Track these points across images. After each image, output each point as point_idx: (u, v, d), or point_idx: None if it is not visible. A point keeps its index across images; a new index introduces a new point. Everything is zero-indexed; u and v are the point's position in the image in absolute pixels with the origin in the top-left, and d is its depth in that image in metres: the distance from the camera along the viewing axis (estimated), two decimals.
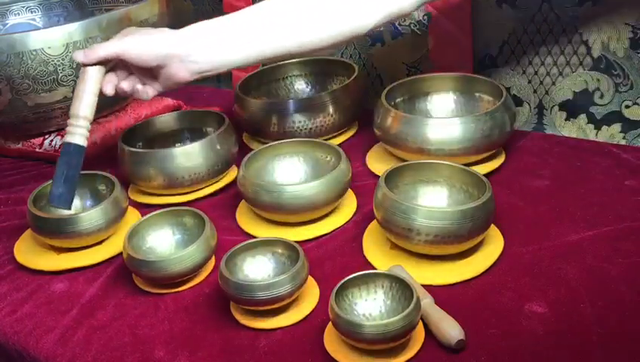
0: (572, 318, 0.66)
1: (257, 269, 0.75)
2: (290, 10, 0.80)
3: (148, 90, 0.82)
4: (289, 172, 0.94)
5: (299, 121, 1.03)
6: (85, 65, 0.78)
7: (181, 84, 0.81)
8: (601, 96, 1.01)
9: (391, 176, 0.80)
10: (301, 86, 1.21)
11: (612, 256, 0.74)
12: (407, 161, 0.86)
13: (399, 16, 0.83)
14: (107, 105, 1.13)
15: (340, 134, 1.10)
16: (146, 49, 0.77)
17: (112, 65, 0.80)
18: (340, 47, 0.91)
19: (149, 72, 0.80)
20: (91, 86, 0.78)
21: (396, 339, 0.61)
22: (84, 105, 0.78)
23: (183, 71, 0.78)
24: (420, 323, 0.65)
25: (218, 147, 0.95)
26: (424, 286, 0.71)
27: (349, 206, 0.89)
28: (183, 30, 0.79)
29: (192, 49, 0.78)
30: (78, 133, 0.78)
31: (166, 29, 0.80)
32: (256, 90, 1.18)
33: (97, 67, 0.78)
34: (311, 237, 0.84)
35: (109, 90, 0.81)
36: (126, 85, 0.81)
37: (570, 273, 0.72)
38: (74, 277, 0.82)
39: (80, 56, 0.77)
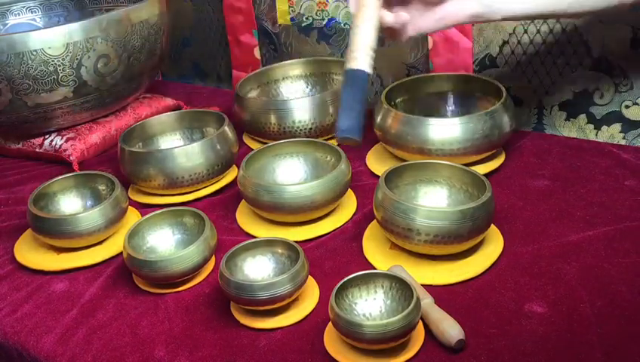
0: (572, 318, 0.66)
1: (257, 269, 0.75)
2: None
3: (409, 29, 0.76)
4: (289, 172, 0.94)
5: (299, 121, 1.03)
6: None
7: (451, 25, 0.76)
8: (601, 96, 1.01)
9: (391, 176, 0.80)
10: (301, 86, 1.21)
11: (612, 256, 0.74)
12: (407, 161, 0.86)
13: None
14: (107, 105, 1.13)
15: None
16: None
17: None
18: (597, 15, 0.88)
19: (422, 7, 0.75)
20: (373, 13, 0.71)
21: (396, 339, 0.61)
22: (367, 33, 0.70)
23: (465, 8, 0.74)
24: (420, 323, 0.65)
25: (218, 147, 0.95)
26: (424, 286, 0.71)
27: (349, 206, 0.89)
28: None
29: None
30: (362, 60, 0.69)
31: None
32: (256, 90, 1.18)
33: None
34: (311, 237, 0.84)
35: (391, 20, 0.74)
36: (406, 17, 0.74)
37: (570, 273, 0.72)
38: (74, 277, 0.82)
39: None
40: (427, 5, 0.75)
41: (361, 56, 0.69)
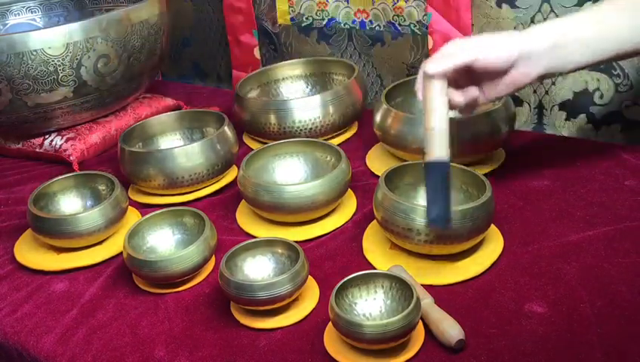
0: (572, 318, 0.66)
1: (257, 269, 0.75)
2: (636, 7, 0.75)
3: (480, 100, 0.77)
4: (289, 172, 0.94)
5: (299, 121, 1.03)
6: (436, 75, 0.71)
7: (523, 87, 0.76)
8: (601, 96, 1.01)
9: (391, 176, 0.80)
10: (301, 86, 1.21)
11: (612, 256, 0.74)
12: (407, 161, 0.86)
13: None
14: (107, 105, 1.13)
15: (340, 134, 1.10)
16: (502, 49, 0.73)
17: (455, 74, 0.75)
18: None
19: (488, 79, 0.75)
20: (442, 98, 0.72)
21: (396, 339, 0.61)
22: (442, 117, 0.71)
23: (531, 72, 0.74)
24: (420, 323, 0.65)
25: (218, 147, 0.95)
26: (424, 286, 0.71)
27: (349, 206, 0.89)
28: (528, 30, 0.75)
29: (541, 49, 0.74)
30: (442, 148, 0.70)
31: (513, 32, 0.77)
32: (256, 90, 1.18)
33: (443, 78, 0.72)
34: (311, 237, 0.84)
35: (461, 100, 0.76)
36: (475, 93, 0.76)
37: (570, 273, 0.72)
38: (74, 277, 0.82)
39: (431, 68, 0.71)
40: (494, 79, 0.75)
41: (442, 144, 0.70)
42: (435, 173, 0.70)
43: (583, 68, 0.77)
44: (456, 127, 0.82)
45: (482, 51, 0.72)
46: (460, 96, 0.75)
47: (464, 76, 0.75)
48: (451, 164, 0.72)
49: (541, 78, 0.76)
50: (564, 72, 0.77)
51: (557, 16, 0.99)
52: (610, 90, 0.99)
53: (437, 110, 0.71)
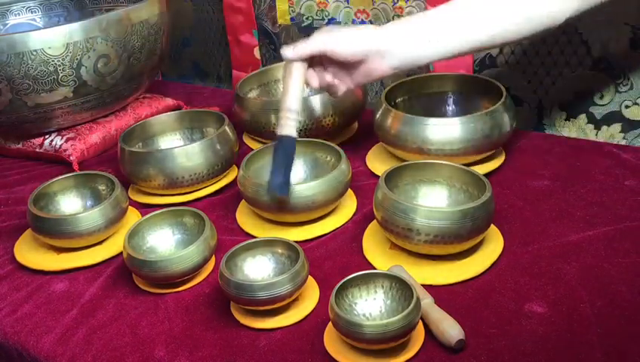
0: (572, 318, 0.66)
1: (257, 269, 0.75)
2: (484, 4, 0.80)
3: (341, 86, 0.85)
4: None
5: (299, 121, 1.03)
6: (292, 60, 0.81)
7: (377, 79, 0.84)
8: (601, 97, 1.01)
9: (391, 176, 0.80)
10: None
11: (612, 256, 0.74)
12: (407, 161, 0.86)
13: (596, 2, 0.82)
14: (107, 105, 1.13)
15: (340, 134, 1.10)
16: (347, 44, 0.80)
17: (317, 61, 0.83)
18: (531, 39, 0.95)
19: (346, 68, 0.83)
20: (297, 81, 0.81)
21: (396, 339, 0.61)
22: (293, 99, 0.80)
23: (383, 66, 0.81)
24: (420, 323, 0.65)
25: (218, 147, 0.95)
26: (424, 286, 0.71)
27: (349, 206, 0.89)
28: (384, 27, 0.82)
29: (393, 45, 0.80)
30: (290, 126, 0.80)
31: (369, 26, 0.82)
32: (256, 90, 1.18)
33: (301, 62, 0.81)
34: (311, 237, 0.84)
35: (315, 84, 0.84)
36: (330, 78, 0.83)
37: (570, 273, 0.72)
38: (74, 277, 0.82)
39: (289, 53, 0.80)
40: (351, 68, 0.82)
41: (289, 123, 0.80)
42: (283, 147, 0.79)
43: (439, 60, 0.83)
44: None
45: (334, 44, 0.80)
46: (315, 81, 0.83)
47: (330, 62, 0.82)
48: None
49: (397, 70, 0.82)
50: (420, 65, 0.83)
51: None
52: (610, 90, 0.99)
53: (291, 91, 0.80)
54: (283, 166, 0.79)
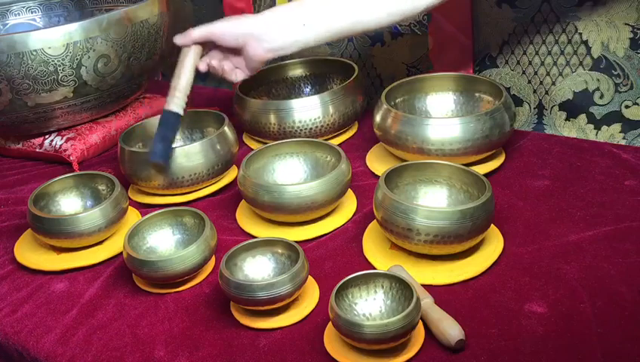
0: (572, 318, 0.66)
1: (257, 269, 0.75)
2: None
3: (237, 72, 0.93)
4: (289, 172, 0.94)
5: (299, 121, 1.03)
6: (183, 45, 0.91)
7: (260, 62, 0.90)
8: (601, 96, 1.01)
9: (391, 176, 0.80)
10: (301, 86, 1.21)
11: (612, 256, 0.74)
12: (407, 161, 0.86)
13: None
14: (107, 105, 1.13)
15: (340, 134, 1.10)
16: (228, 29, 0.89)
17: (210, 47, 0.92)
18: (401, 23, 1.06)
19: (233, 53, 0.91)
20: (188, 63, 0.91)
21: (396, 339, 0.61)
22: (182, 80, 0.90)
23: (259, 49, 0.88)
24: (420, 323, 0.65)
25: (218, 147, 0.95)
26: (424, 286, 0.71)
27: (349, 206, 0.89)
28: (261, 13, 0.88)
29: (266, 29, 0.87)
30: (176, 103, 0.89)
31: (249, 15, 0.89)
32: (256, 90, 1.18)
33: (194, 47, 0.90)
34: (311, 237, 0.84)
35: (202, 67, 0.93)
36: (215, 63, 0.92)
37: (570, 273, 0.72)
38: (74, 277, 0.82)
39: (178, 39, 0.90)
40: (237, 53, 0.91)
41: (176, 101, 0.89)
42: (168, 121, 0.88)
43: (313, 45, 0.90)
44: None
45: (218, 30, 0.89)
46: (203, 65, 0.93)
47: (219, 48, 0.91)
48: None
49: (272, 55, 0.89)
50: (293, 51, 0.90)
51: (557, 16, 1.00)
52: (610, 90, 0.99)
53: (182, 73, 0.90)
54: (164, 137, 0.88)
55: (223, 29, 0.89)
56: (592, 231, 0.79)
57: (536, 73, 1.06)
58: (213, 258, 0.81)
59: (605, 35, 0.97)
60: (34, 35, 0.98)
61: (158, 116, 1.06)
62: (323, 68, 1.20)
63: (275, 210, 0.83)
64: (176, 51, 0.94)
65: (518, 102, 1.09)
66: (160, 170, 0.90)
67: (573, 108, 1.04)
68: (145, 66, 1.14)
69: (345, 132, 1.11)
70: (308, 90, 1.21)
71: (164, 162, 0.88)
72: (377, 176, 0.95)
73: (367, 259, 0.78)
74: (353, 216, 0.88)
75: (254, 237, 0.82)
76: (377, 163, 0.99)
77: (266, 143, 0.99)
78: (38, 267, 0.83)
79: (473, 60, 1.10)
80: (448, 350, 0.63)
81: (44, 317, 0.75)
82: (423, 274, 0.73)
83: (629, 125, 1.00)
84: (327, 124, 1.04)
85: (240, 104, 1.09)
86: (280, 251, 0.75)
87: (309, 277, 0.74)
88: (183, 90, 0.90)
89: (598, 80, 1.00)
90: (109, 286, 0.80)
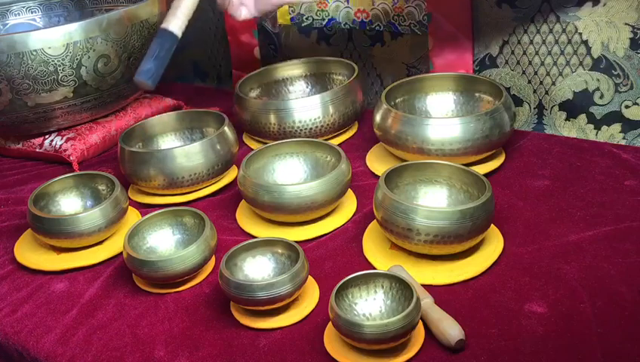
0: (572, 318, 0.66)
1: (257, 269, 0.75)
2: None
3: (242, 9, 0.89)
4: (289, 172, 0.94)
5: (299, 121, 1.03)
6: None
7: (272, 4, 0.87)
8: (601, 96, 1.01)
9: (391, 176, 0.80)
10: (301, 86, 1.21)
11: (612, 256, 0.74)
12: (407, 161, 0.86)
13: None
14: (107, 105, 1.13)
15: (340, 134, 1.10)
16: None
17: None
18: None
19: None
20: None
21: (396, 339, 0.61)
22: (189, 3, 0.86)
23: None
24: (420, 323, 0.65)
25: (218, 147, 0.95)
26: (424, 286, 0.71)
27: (349, 206, 0.89)
28: None
29: None
30: (175, 23, 0.84)
31: None
32: (256, 90, 1.18)
33: None
34: (311, 237, 0.84)
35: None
36: None
37: (570, 273, 0.72)
38: (74, 277, 0.82)
39: None
40: None
41: (175, 21, 0.84)
42: (164, 40, 0.84)
43: None
44: None
45: None
46: None
47: None
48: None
49: (286, 3, 0.87)
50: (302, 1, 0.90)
51: (557, 16, 1.00)
52: (610, 90, 0.99)
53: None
54: (156, 56, 0.84)
55: None
56: (592, 231, 0.79)
57: (536, 73, 1.06)
58: (213, 258, 0.81)
59: (605, 35, 0.97)
60: (34, 35, 0.98)
61: (158, 116, 1.07)
62: (323, 68, 1.20)
63: (275, 210, 0.83)
64: (174, 50, 0.93)
65: (518, 102, 1.09)
66: (143, 89, 0.86)
67: (573, 108, 1.04)
68: None
69: (345, 132, 1.11)
70: (308, 90, 1.21)
71: (150, 82, 0.84)
72: (377, 176, 0.95)
73: (367, 259, 0.78)
74: (353, 216, 0.88)
75: (254, 237, 0.82)
76: (377, 163, 0.99)
77: (266, 143, 0.99)
78: (38, 267, 0.83)
79: (473, 60, 1.10)
80: (448, 350, 0.63)
81: (44, 317, 0.75)
82: (423, 274, 0.73)
83: (629, 125, 1.00)
84: (327, 124, 1.04)
85: (240, 104, 1.09)
86: (280, 251, 0.75)
87: (309, 277, 0.74)
88: (186, 12, 0.85)
89: (598, 80, 1.00)
90: (109, 286, 0.80)
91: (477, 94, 1.02)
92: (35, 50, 0.98)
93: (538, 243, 0.78)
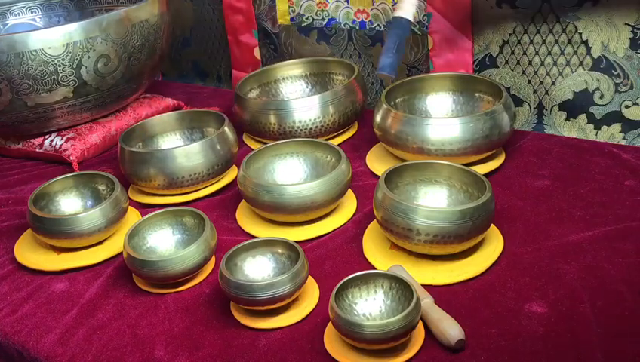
0: (572, 318, 0.66)
1: (257, 269, 0.75)
2: None
3: None
4: (289, 172, 0.94)
5: (299, 121, 1.03)
6: None
7: None
8: (601, 96, 1.01)
9: (391, 176, 0.80)
10: (301, 86, 1.21)
11: (612, 256, 0.74)
12: (407, 161, 0.86)
13: None
14: (107, 105, 1.13)
15: (340, 134, 1.10)
16: None
17: None
18: None
19: None
20: None
21: (396, 339, 0.61)
22: None
23: None
24: (420, 323, 0.65)
25: (218, 147, 0.95)
26: (424, 286, 0.71)
27: (349, 206, 0.89)
28: None
29: None
30: (406, 9, 0.86)
31: None
32: (256, 90, 1.18)
33: None
34: (311, 237, 0.84)
35: None
36: None
37: (570, 273, 0.72)
38: (74, 277, 0.82)
39: None
40: None
41: (408, 7, 0.85)
42: (396, 28, 0.85)
43: None
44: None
45: None
46: None
47: None
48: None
49: None
50: None
51: (557, 16, 1.00)
52: (610, 90, 0.99)
53: None
54: (395, 46, 0.84)
55: None
56: (592, 231, 0.79)
57: (536, 73, 1.06)
58: (213, 258, 0.81)
59: (605, 35, 0.97)
60: (34, 35, 0.99)
61: (158, 116, 1.07)
62: (323, 68, 1.20)
63: (275, 210, 0.83)
64: (174, 50, 0.92)
65: (518, 102, 1.09)
66: (386, 80, 0.88)
67: (573, 108, 1.04)
68: (145, 66, 1.14)
69: (345, 132, 1.11)
70: (308, 90, 1.21)
71: (394, 75, 0.86)
72: (377, 176, 0.95)
73: (367, 259, 0.78)
74: (353, 216, 0.88)
75: (254, 237, 0.82)
76: (377, 163, 0.99)
77: (266, 143, 0.99)
78: (38, 267, 0.83)
79: (473, 60, 1.10)
80: (448, 350, 0.63)
81: (44, 317, 0.75)
82: (423, 274, 0.73)
83: (629, 125, 1.00)
84: (327, 124, 1.04)
85: (240, 104, 1.09)
86: (280, 251, 0.75)
87: (309, 277, 0.74)
88: (415, 4, 0.86)
89: (598, 80, 1.00)
90: (109, 286, 0.80)
91: (477, 94, 1.02)
92: (35, 50, 0.98)
93: (538, 243, 0.78)
